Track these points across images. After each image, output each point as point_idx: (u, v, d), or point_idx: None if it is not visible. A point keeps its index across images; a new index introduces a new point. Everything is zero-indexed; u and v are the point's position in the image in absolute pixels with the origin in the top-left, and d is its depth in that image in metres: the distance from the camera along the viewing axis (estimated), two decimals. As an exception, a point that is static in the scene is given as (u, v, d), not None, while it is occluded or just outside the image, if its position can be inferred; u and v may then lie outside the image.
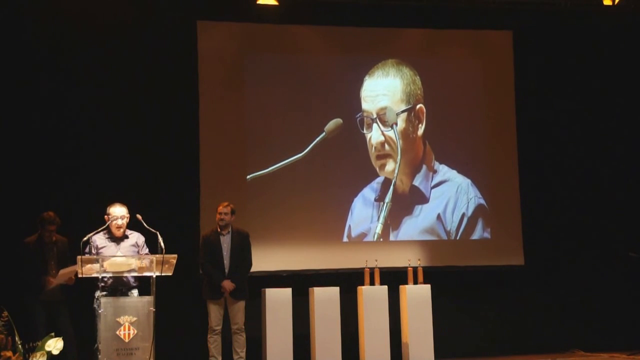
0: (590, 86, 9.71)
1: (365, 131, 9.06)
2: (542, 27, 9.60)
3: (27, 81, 8.22)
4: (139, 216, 6.70)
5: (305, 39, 9.18)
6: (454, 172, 9.23)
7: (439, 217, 9.12)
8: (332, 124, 9.00)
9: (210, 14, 8.86)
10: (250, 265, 7.68)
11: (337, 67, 9.15)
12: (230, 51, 8.91)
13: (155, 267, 6.37)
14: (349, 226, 8.90)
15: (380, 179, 9.03)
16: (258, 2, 8.66)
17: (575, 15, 9.47)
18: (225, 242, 7.55)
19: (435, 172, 9.18)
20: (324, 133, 8.96)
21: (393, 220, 9.01)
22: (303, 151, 8.88)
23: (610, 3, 8.98)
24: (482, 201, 9.24)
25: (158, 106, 8.51)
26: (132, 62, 8.50)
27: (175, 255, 6.48)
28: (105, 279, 6.50)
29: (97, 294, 6.42)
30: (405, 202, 9.08)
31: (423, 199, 9.11)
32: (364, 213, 8.96)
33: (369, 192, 8.99)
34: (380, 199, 8.99)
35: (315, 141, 8.92)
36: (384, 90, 9.17)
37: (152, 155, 8.43)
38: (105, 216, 6.77)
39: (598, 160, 9.65)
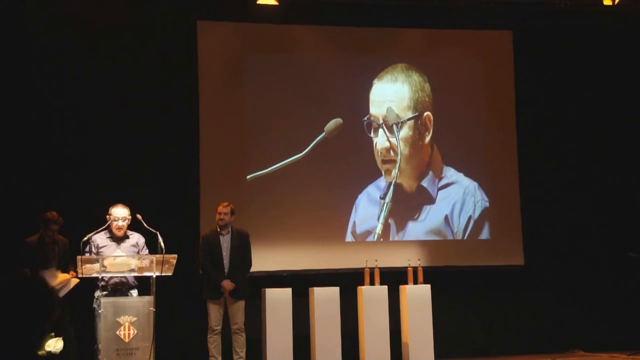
0: (591, 86, 9.70)
1: (372, 135, 9.05)
2: (542, 27, 9.59)
3: (28, 81, 8.23)
4: (139, 216, 6.71)
5: (305, 39, 9.17)
6: (461, 175, 9.23)
7: (446, 218, 9.10)
8: (332, 123, 9.00)
9: (210, 14, 8.86)
10: (250, 265, 7.68)
11: (336, 67, 9.14)
12: (230, 51, 8.90)
13: (155, 267, 6.38)
14: (354, 223, 8.88)
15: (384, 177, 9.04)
16: (258, 2, 8.65)
17: (575, 15, 9.46)
18: (225, 242, 7.55)
19: (442, 175, 9.17)
20: (323, 133, 8.96)
21: (399, 221, 8.99)
22: (303, 151, 8.87)
23: (610, 3, 8.97)
24: (487, 204, 9.23)
25: (158, 106, 8.50)
26: (132, 62, 8.49)
27: (175, 255, 6.49)
28: (106, 279, 6.51)
29: (97, 293, 6.42)
30: (412, 202, 9.06)
31: (430, 200, 9.10)
32: (369, 211, 8.94)
33: (374, 190, 8.99)
34: (384, 196, 8.98)
35: (315, 141, 8.91)
36: (391, 96, 9.15)
37: (152, 155, 8.42)
38: (107, 216, 6.78)
39: (598, 160, 9.65)
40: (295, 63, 9.04)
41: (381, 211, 8.97)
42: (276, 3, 8.69)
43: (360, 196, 8.95)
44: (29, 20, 8.30)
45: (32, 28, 8.30)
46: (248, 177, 8.73)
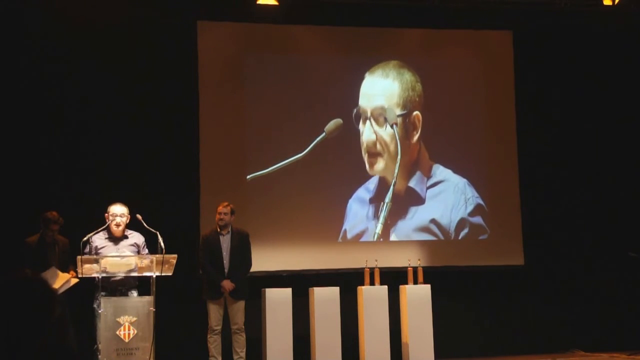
0: (590, 86, 9.70)
1: (360, 127, 9.05)
2: (542, 27, 9.59)
3: (27, 81, 8.22)
4: (139, 216, 6.70)
5: (305, 39, 9.18)
6: (449, 171, 9.21)
7: (436, 217, 9.09)
8: (332, 124, 9.00)
9: (210, 14, 8.86)
10: (250, 265, 7.68)
11: (337, 67, 9.14)
12: (230, 51, 8.90)
13: (155, 267, 6.38)
14: (345, 229, 8.86)
15: (375, 179, 9.02)
16: (258, 2, 8.65)
17: (575, 15, 9.46)
18: (225, 242, 7.55)
19: (430, 173, 9.16)
20: (324, 133, 8.95)
21: (391, 220, 9.00)
22: (303, 151, 8.87)
23: (610, 3, 8.97)
24: (480, 201, 9.24)
25: (158, 106, 8.51)
26: (132, 62, 8.49)
27: (175, 255, 6.48)
28: (105, 279, 6.50)
29: (97, 293, 6.42)
30: (402, 203, 9.06)
31: (419, 200, 9.10)
32: (360, 213, 8.93)
33: (363, 193, 8.96)
34: (375, 199, 8.95)
35: (315, 141, 8.91)
36: (382, 90, 9.16)
37: (152, 155, 8.43)
38: (106, 214, 6.78)
39: (598, 160, 9.65)
40: (295, 63, 9.04)
41: (381, 211, 8.97)
42: (276, 3, 8.68)
43: (350, 200, 8.93)
44: (29, 21, 8.30)
45: (32, 28, 8.30)
46: (248, 177, 8.73)
